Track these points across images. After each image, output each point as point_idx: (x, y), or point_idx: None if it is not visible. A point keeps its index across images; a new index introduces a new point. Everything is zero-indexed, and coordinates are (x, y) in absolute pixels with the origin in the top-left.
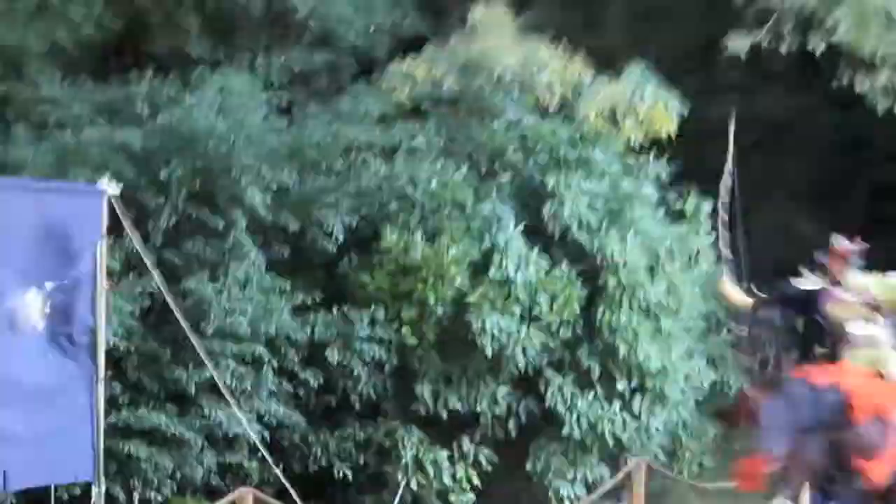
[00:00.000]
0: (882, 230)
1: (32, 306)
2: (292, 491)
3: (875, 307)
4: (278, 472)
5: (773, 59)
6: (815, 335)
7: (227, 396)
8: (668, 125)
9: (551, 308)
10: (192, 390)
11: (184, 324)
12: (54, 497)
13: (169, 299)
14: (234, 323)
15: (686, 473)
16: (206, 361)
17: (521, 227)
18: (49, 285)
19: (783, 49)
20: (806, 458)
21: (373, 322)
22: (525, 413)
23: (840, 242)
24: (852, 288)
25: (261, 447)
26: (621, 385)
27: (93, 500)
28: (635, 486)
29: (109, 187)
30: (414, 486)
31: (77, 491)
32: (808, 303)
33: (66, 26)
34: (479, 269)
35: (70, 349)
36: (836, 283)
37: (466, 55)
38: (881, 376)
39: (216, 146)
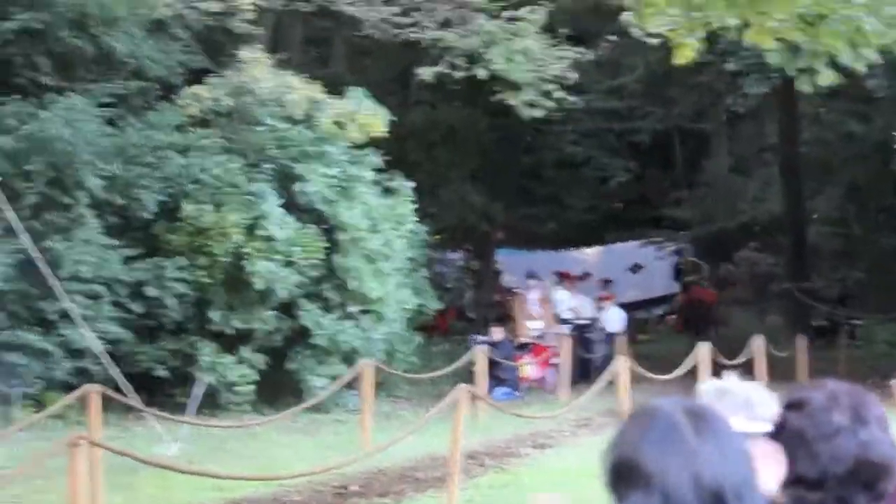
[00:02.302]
0: (529, 200)
1: None
2: (125, 385)
3: None
4: (114, 373)
5: (451, 82)
6: None
7: (78, 321)
8: (379, 129)
9: (302, 256)
10: (53, 317)
11: (46, 271)
12: None
13: (35, 254)
14: (80, 270)
15: (399, 369)
16: (62, 297)
17: (280, 201)
18: None
19: (457, 75)
20: None
21: (178, 268)
22: (286, 329)
23: None
24: None
25: (102, 356)
26: (353, 308)
27: None
28: (365, 379)
29: None
30: (210, 380)
31: None
32: None
33: None
34: (251, 230)
35: None
36: None
37: (238, 81)
38: None
39: (64, 147)
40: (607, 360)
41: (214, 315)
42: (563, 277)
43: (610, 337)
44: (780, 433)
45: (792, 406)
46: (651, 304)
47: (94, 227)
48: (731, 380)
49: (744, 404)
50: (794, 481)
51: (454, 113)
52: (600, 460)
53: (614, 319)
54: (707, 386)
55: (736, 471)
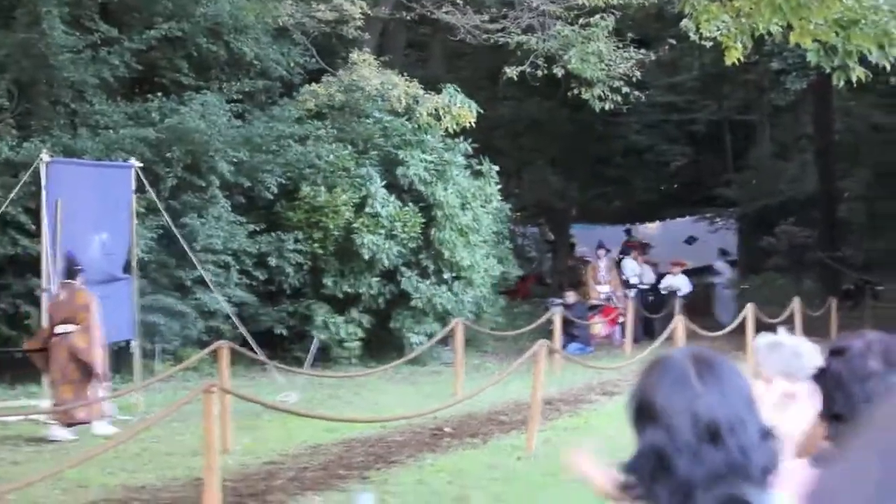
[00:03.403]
0: (599, 182)
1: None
2: (251, 342)
3: None
4: (242, 331)
5: (533, 80)
6: None
7: (211, 286)
8: (470, 120)
9: (403, 230)
10: (189, 283)
11: (183, 243)
12: (109, 348)
13: (174, 229)
14: (212, 243)
15: (486, 327)
16: (197, 265)
17: (384, 183)
18: (105, 223)
19: (539, 73)
20: None
21: (296, 240)
22: (388, 293)
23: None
24: None
25: (232, 316)
26: (446, 275)
27: (132, 350)
28: (456, 336)
29: (136, 164)
30: (323, 338)
31: (123, 344)
32: None
33: (110, 68)
34: (359, 207)
35: (117, 261)
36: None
37: (349, 80)
38: None
39: (199, 137)
40: (669, 318)
41: (327, 281)
42: (631, 248)
43: (674, 298)
44: (822, 376)
45: (834, 353)
46: (703, 271)
47: (224, 205)
48: (782, 335)
49: (792, 355)
50: (831, 417)
51: (536, 106)
52: (626, 405)
53: (681, 284)
54: (762, 339)
55: (731, 408)
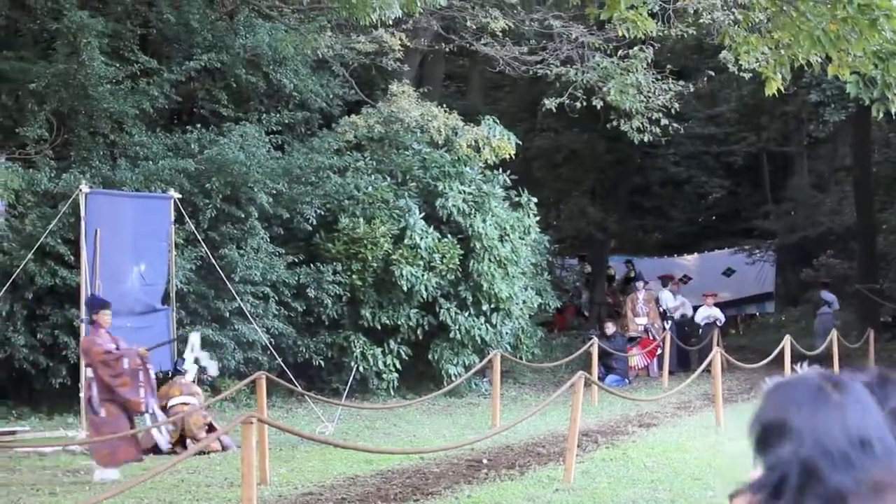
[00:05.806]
0: (638, 213)
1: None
2: (289, 373)
3: None
4: (280, 362)
5: (572, 111)
6: None
7: (249, 317)
8: (509, 151)
9: (442, 262)
10: (227, 314)
11: (222, 275)
12: None
13: (212, 260)
14: (251, 274)
15: (524, 359)
16: (236, 297)
17: (422, 214)
18: (144, 254)
19: (578, 105)
20: None
21: (334, 272)
22: (427, 325)
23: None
24: None
25: (270, 347)
26: (485, 307)
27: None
28: (494, 367)
29: (175, 194)
30: (361, 370)
31: (161, 375)
32: None
33: (149, 99)
34: (398, 239)
35: (156, 292)
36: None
37: (387, 112)
38: None
39: (239, 168)
40: (705, 351)
41: (365, 312)
42: (667, 280)
43: (709, 330)
44: None
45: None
46: (741, 303)
47: (263, 237)
48: (797, 373)
49: None
50: None
51: (574, 138)
52: (748, 431)
53: (716, 315)
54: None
55: (876, 422)
